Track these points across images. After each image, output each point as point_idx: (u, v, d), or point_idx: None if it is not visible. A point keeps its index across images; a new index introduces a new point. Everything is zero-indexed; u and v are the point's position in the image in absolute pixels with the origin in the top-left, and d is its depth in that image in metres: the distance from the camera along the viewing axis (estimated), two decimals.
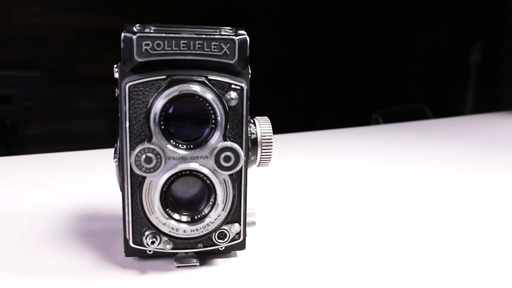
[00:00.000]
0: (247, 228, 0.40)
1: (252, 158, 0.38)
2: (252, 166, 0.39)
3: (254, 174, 0.60)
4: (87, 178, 0.63)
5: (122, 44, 0.33)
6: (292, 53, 2.89)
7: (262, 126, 0.39)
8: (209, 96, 0.33)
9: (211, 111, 0.34)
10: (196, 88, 0.33)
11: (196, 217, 0.35)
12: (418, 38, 2.82)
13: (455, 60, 2.63)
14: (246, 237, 0.41)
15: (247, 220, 0.40)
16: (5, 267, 0.36)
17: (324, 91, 2.94)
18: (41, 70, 1.95)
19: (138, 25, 0.34)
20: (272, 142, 0.38)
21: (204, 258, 0.38)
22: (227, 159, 0.34)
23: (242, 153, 0.34)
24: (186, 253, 0.37)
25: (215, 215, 0.35)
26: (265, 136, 0.38)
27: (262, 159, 0.39)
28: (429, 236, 0.46)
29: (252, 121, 0.39)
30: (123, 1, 2.51)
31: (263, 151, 0.38)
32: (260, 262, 0.38)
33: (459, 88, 2.55)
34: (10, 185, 0.59)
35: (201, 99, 0.33)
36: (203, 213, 0.35)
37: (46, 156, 0.78)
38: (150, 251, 0.36)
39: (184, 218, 0.35)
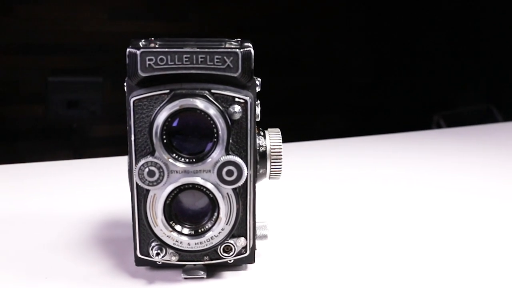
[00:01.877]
0: (259, 241, 0.40)
1: (261, 171, 0.38)
2: (262, 179, 0.39)
3: (288, 184, 0.59)
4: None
5: (127, 59, 0.34)
6: (347, 52, 2.83)
7: (272, 139, 0.38)
8: (210, 110, 0.33)
9: (213, 125, 0.34)
10: (197, 102, 0.33)
11: (199, 231, 0.35)
12: (486, 30, 2.66)
13: None
14: (256, 250, 0.41)
15: (258, 233, 0.39)
16: (25, 271, 0.38)
17: (380, 91, 2.86)
18: (105, 76, 2.05)
19: (143, 40, 0.35)
20: (281, 155, 0.38)
21: (213, 271, 0.38)
22: (229, 173, 0.34)
23: (245, 167, 0.34)
24: (194, 265, 0.37)
25: (218, 229, 0.35)
26: (274, 148, 0.38)
27: (272, 172, 0.38)
28: (464, 266, 0.43)
29: (262, 134, 0.38)
30: (184, 7, 2.58)
31: (272, 164, 0.38)
32: (269, 277, 0.38)
33: None
34: (57, 188, 0.63)
35: (202, 113, 0.33)
36: (206, 227, 0.35)
37: (100, 160, 0.81)
38: (159, 262, 0.37)
39: (187, 231, 0.35)
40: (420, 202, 0.59)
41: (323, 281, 0.37)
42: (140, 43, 0.34)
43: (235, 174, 0.34)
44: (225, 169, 0.34)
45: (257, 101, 0.39)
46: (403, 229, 0.49)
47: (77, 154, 1.98)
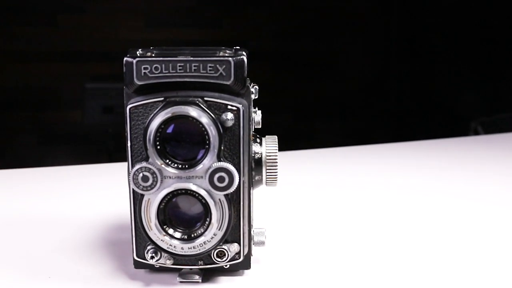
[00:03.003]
0: (256, 248, 0.40)
1: (257, 177, 0.38)
2: (259, 186, 0.39)
3: (301, 190, 0.58)
4: None
5: (124, 68, 0.35)
6: (384, 57, 2.79)
7: (268, 146, 0.38)
8: (202, 117, 0.34)
9: (205, 132, 0.34)
10: (189, 109, 0.34)
11: (192, 235, 0.36)
12: None
13: None
14: (255, 257, 0.41)
15: (255, 239, 0.40)
16: (30, 270, 0.40)
17: (415, 96, 2.79)
18: None
19: (141, 49, 0.36)
20: (276, 162, 0.38)
21: (210, 275, 0.39)
22: (221, 179, 0.35)
23: (236, 174, 0.35)
24: (190, 269, 0.38)
25: (210, 234, 0.36)
26: (270, 155, 0.38)
27: (267, 178, 0.38)
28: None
29: (258, 141, 0.39)
30: (218, 14, 2.62)
31: (267, 170, 0.38)
32: (264, 283, 0.38)
33: None
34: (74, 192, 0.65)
35: (194, 121, 0.34)
36: (199, 232, 0.36)
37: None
38: (156, 265, 0.38)
39: (179, 236, 0.36)
40: (438, 213, 0.57)
41: None
42: (138, 52, 0.36)
43: (227, 181, 0.35)
44: (216, 176, 0.35)
45: (254, 108, 0.40)
46: (409, 240, 0.48)
47: (112, 158, 2.04)
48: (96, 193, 0.64)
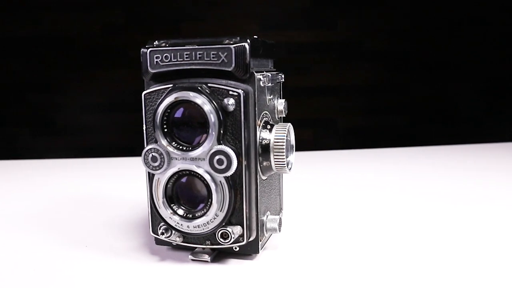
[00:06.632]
0: (270, 234, 0.41)
1: (264, 163, 0.39)
2: (270, 172, 0.40)
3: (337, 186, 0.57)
4: None
5: (141, 58, 0.38)
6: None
7: (276, 133, 0.39)
8: (202, 101, 0.36)
9: (205, 116, 0.36)
10: (190, 94, 0.36)
11: (196, 215, 0.38)
12: None
13: None
14: (271, 242, 0.42)
15: (268, 225, 0.40)
16: (72, 239, 0.45)
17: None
18: None
19: (157, 40, 0.39)
20: (283, 148, 0.38)
21: (221, 257, 0.40)
22: (220, 161, 0.36)
23: (234, 157, 0.36)
24: (203, 248, 0.40)
25: (212, 215, 0.37)
26: (277, 142, 0.38)
27: (275, 164, 0.39)
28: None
29: (268, 127, 0.39)
30: (333, 14, 2.60)
31: (275, 157, 0.38)
32: (270, 268, 0.38)
33: None
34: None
35: (196, 105, 0.36)
36: (202, 212, 0.38)
37: None
38: (174, 242, 0.40)
39: (183, 214, 0.38)
40: (455, 216, 0.52)
41: (326, 284, 0.36)
42: (154, 43, 0.39)
43: (225, 163, 0.36)
44: (216, 158, 0.36)
45: (270, 95, 0.41)
46: (421, 238, 0.44)
47: None
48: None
